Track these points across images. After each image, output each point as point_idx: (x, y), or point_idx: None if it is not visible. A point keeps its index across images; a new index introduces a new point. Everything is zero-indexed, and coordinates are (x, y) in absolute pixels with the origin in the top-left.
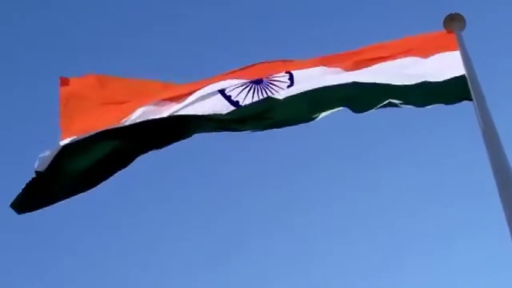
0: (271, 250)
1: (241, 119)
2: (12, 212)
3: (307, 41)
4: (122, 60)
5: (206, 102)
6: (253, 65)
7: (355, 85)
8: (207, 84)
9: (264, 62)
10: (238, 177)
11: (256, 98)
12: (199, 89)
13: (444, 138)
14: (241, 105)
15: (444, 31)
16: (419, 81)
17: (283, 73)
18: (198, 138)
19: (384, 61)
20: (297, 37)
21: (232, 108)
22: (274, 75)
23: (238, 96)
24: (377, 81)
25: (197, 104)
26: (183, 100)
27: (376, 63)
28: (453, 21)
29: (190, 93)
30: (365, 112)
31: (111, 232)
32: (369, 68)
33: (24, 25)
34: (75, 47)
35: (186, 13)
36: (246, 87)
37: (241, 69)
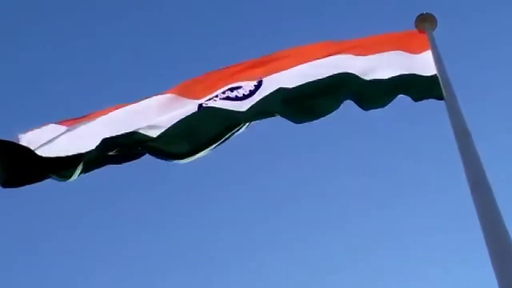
0: None
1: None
2: None
3: (278, 38)
4: None
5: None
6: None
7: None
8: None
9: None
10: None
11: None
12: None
13: (417, 136)
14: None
15: (415, 30)
16: (391, 75)
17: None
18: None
19: (354, 56)
20: (268, 33)
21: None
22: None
23: None
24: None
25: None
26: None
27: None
28: (425, 21)
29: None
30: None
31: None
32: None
33: None
34: None
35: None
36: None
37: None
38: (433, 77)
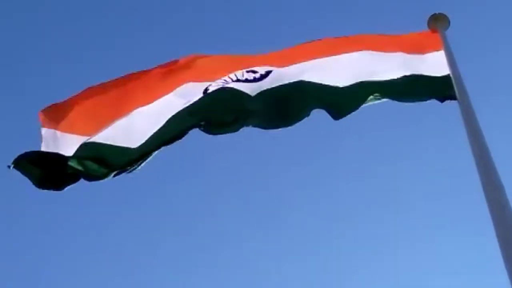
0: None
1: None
2: None
3: (287, 35)
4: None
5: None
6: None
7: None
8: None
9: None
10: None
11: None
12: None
13: (430, 137)
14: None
15: (428, 31)
16: (404, 74)
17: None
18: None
19: (367, 51)
20: (275, 30)
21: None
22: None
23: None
24: (361, 79)
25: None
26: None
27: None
28: (437, 21)
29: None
30: (347, 115)
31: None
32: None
33: None
34: None
35: None
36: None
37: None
38: (446, 78)
